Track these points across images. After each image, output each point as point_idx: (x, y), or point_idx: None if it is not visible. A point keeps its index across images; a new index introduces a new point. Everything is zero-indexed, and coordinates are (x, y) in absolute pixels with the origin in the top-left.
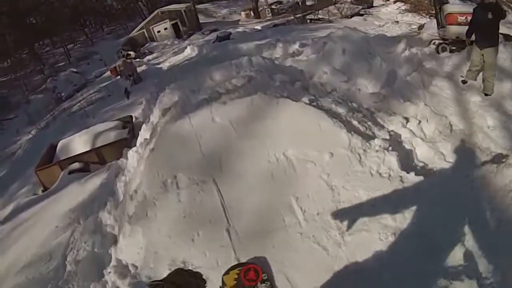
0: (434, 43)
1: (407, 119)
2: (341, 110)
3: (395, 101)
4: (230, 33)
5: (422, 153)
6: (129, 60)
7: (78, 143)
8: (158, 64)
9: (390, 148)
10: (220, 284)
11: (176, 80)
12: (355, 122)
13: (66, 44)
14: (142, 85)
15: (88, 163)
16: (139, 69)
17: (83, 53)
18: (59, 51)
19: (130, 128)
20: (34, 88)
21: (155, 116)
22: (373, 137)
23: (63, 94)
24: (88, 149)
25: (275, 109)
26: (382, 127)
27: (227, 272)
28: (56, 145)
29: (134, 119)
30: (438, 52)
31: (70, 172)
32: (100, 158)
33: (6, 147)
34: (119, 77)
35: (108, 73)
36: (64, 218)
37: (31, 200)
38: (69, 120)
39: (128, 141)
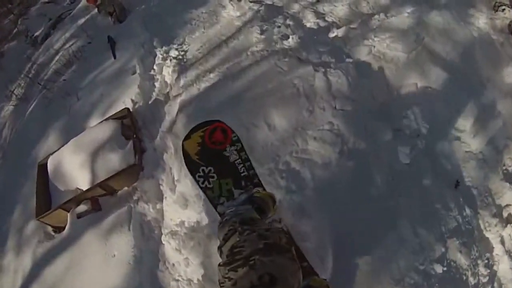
0: (503, 10)
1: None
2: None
3: (497, 177)
4: None
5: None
6: None
7: (74, 165)
8: None
9: None
10: (181, 153)
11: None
12: None
13: None
14: (129, 26)
15: (96, 198)
16: None
17: None
18: None
19: (134, 139)
20: (5, 35)
21: (182, 185)
22: None
23: (37, 35)
24: (87, 173)
25: None
26: None
27: (188, 136)
28: (46, 164)
29: (132, 105)
30: (510, 33)
31: (79, 216)
32: (107, 189)
33: None
34: (97, 10)
35: (84, 2)
36: None
37: (49, 253)
38: (48, 102)
39: (137, 168)
